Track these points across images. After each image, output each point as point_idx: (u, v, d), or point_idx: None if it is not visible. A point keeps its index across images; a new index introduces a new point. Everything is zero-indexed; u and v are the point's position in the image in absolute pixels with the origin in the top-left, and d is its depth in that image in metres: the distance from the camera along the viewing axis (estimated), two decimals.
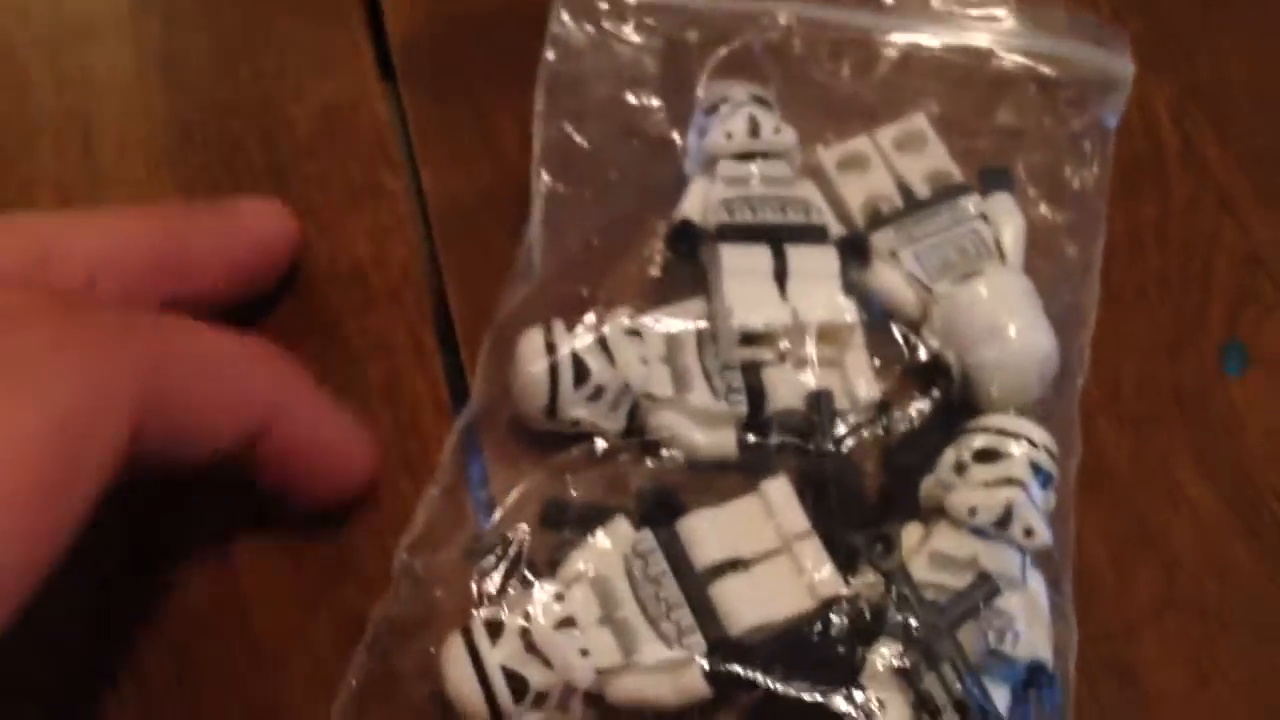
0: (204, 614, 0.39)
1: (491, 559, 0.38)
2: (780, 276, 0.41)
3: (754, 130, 0.43)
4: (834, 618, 0.37)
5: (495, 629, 0.35)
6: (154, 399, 0.32)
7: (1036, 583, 0.38)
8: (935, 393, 0.42)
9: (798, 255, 0.41)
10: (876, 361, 0.42)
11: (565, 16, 0.46)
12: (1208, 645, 0.41)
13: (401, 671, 0.37)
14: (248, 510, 0.41)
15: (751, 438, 0.40)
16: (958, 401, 0.41)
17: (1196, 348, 0.46)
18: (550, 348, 0.39)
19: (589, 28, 0.46)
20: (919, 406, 0.42)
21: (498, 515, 0.39)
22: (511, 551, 0.38)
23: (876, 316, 0.43)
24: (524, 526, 0.39)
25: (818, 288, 0.41)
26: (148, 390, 0.32)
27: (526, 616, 0.36)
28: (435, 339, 0.44)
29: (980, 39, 0.47)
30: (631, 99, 0.46)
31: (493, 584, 0.38)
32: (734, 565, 0.37)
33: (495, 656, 0.35)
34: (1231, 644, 0.41)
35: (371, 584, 0.39)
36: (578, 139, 0.45)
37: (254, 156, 0.47)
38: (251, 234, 0.42)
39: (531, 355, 0.39)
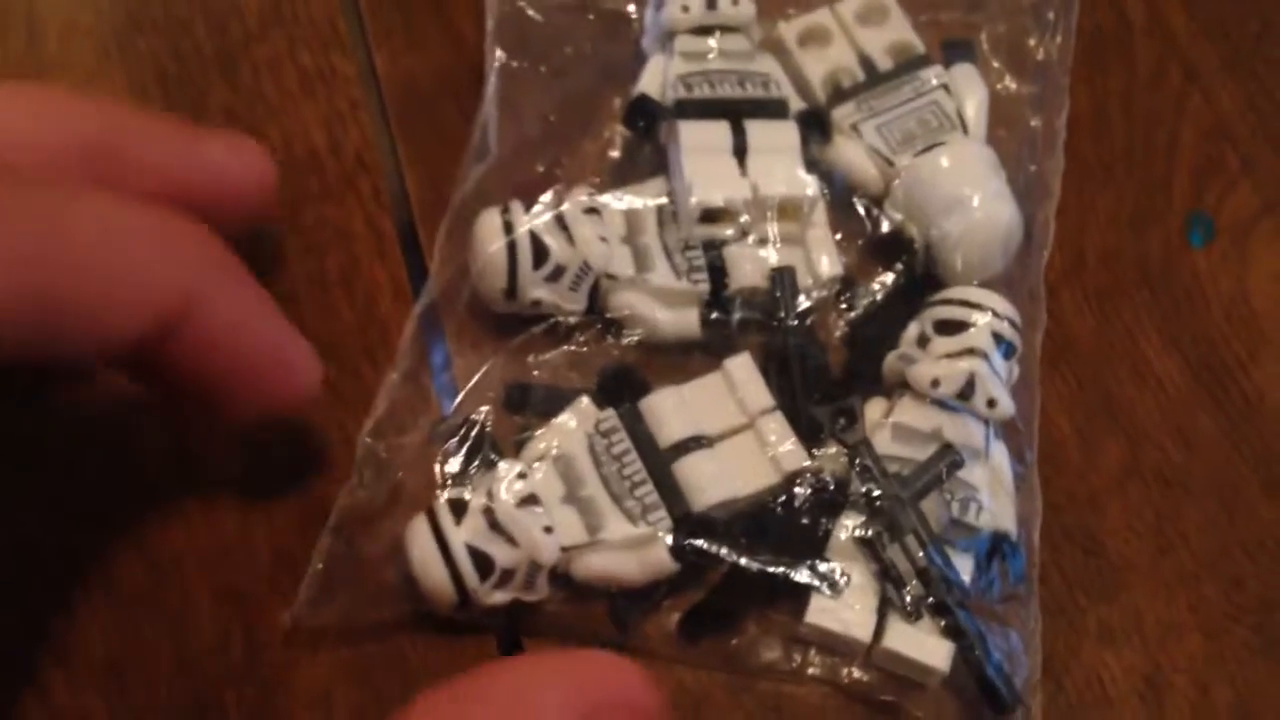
0: (168, 507, 0.39)
1: (455, 441, 0.38)
2: (740, 152, 0.40)
3: (711, 3, 0.42)
4: (799, 491, 0.37)
5: (459, 508, 0.35)
6: (28, 272, 0.27)
7: (1000, 454, 0.38)
8: (899, 267, 0.41)
9: (757, 130, 0.41)
10: (839, 236, 0.42)
11: None
12: (1171, 514, 0.41)
13: (367, 555, 0.36)
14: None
15: (714, 315, 0.40)
16: (921, 275, 0.41)
17: (1161, 220, 0.46)
18: (508, 228, 0.38)
19: None
20: (882, 280, 0.42)
21: (460, 398, 0.39)
22: (474, 433, 0.38)
23: (839, 191, 0.42)
24: (486, 408, 0.38)
25: (778, 163, 0.40)
26: (18, 261, 0.27)
27: (490, 495, 0.35)
28: (393, 225, 0.43)
29: None
30: None
31: (456, 465, 0.37)
32: (698, 442, 0.37)
33: (460, 535, 0.35)
34: (1195, 513, 0.41)
35: (335, 471, 0.39)
36: (532, 13, 0.44)
37: (202, 42, 0.46)
38: (211, 164, 0.36)
39: (489, 236, 0.38)
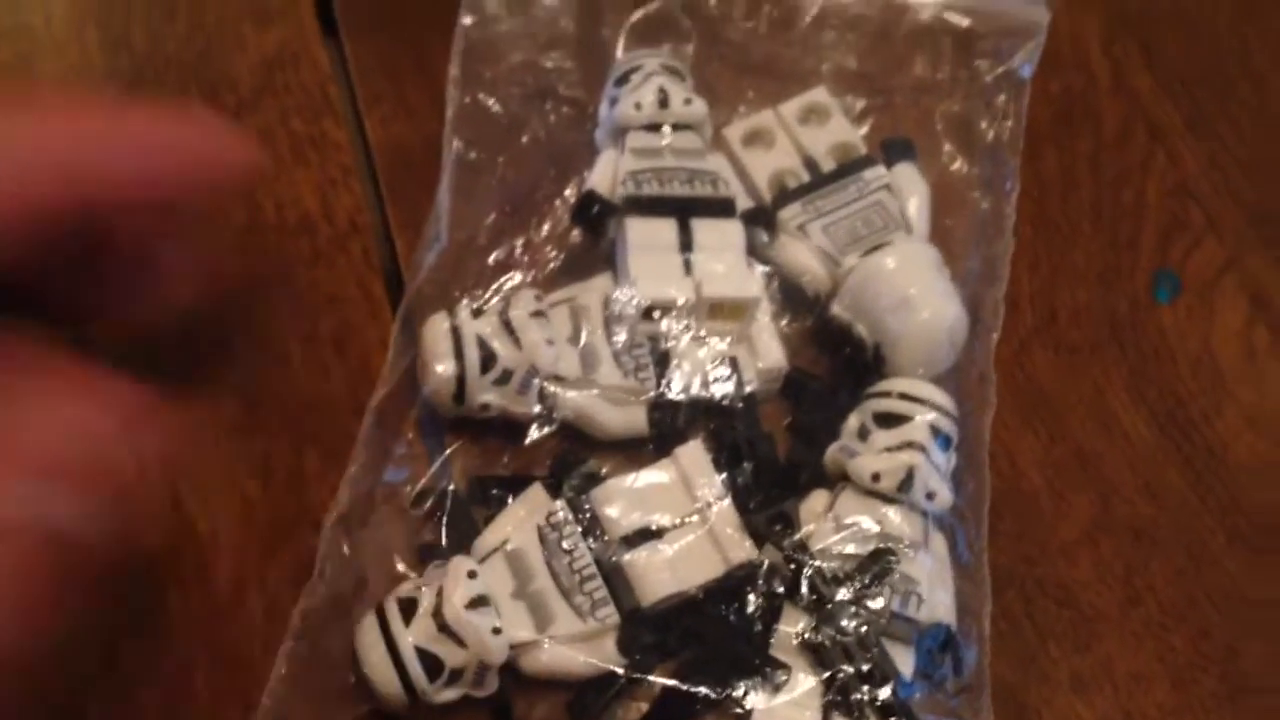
0: (162, 562, 0.39)
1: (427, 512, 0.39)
2: (686, 250, 0.41)
3: (663, 101, 0.43)
4: (747, 590, 0.38)
5: (409, 609, 0.36)
6: None
7: (940, 545, 0.39)
8: (845, 355, 0.42)
9: (703, 229, 0.41)
10: (784, 322, 0.43)
11: None
12: (1140, 566, 0.42)
13: (331, 653, 0.37)
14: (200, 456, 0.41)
15: (659, 415, 0.40)
16: (870, 370, 0.41)
17: (1129, 277, 0.46)
18: (455, 333, 0.39)
19: None
20: (828, 370, 0.42)
21: (422, 483, 0.40)
22: (448, 504, 0.39)
23: (786, 286, 0.43)
24: (451, 487, 0.39)
25: (722, 262, 0.41)
26: None
27: (440, 595, 0.36)
28: (384, 288, 0.44)
29: None
30: (548, 63, 0.46)
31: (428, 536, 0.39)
32: (648, 534, 0.38)
33: (409, 637, 0.35)
34: (1163, 564, 0.42)
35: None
36: (491, 104, 0.45)
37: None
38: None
39: (435, 342, 0.39)
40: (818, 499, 0.39)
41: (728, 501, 0.38)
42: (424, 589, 0.36)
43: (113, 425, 0.27)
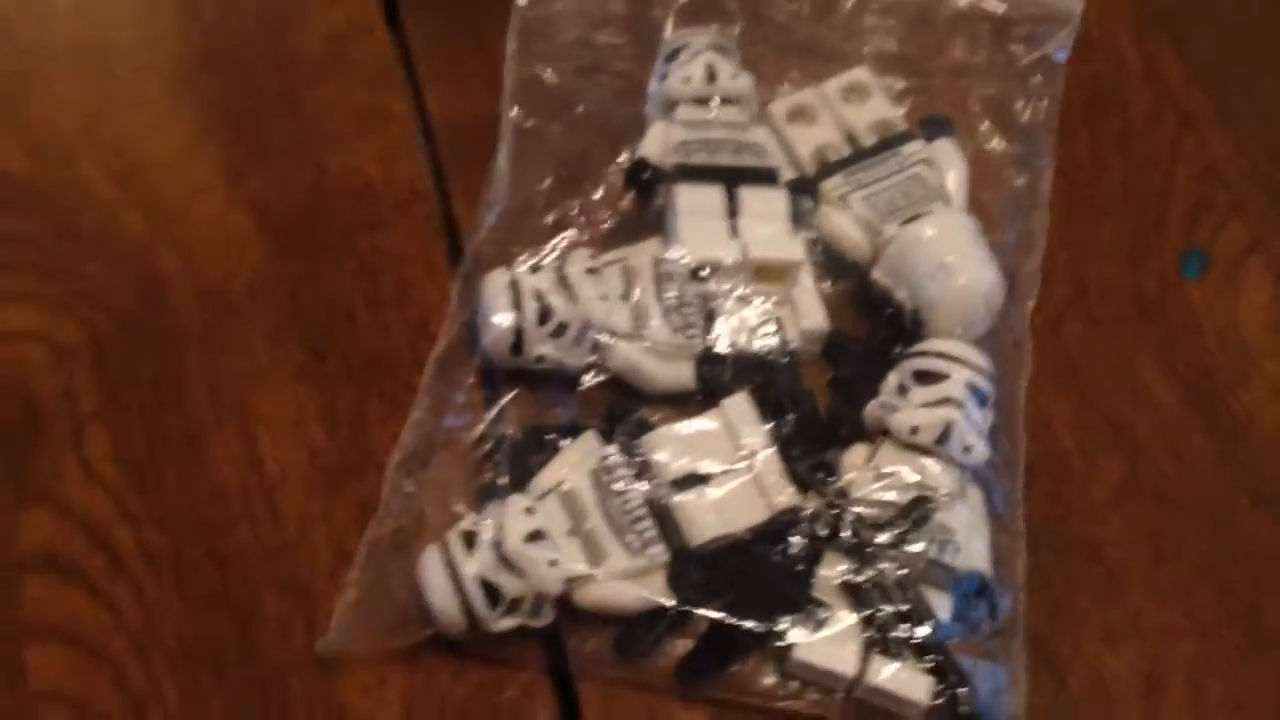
0: (231, 499, 0.41)
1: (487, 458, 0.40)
2: (732, 216, 0.43)
3: (711, 76, 0.44)
4: (788, 531, 0.39)
5: (470, 541, 0.37)
6: None
7: (976, 497, 0.40)
8: (885, 319, 0.43)
9: (749, 196, 0.43)
10: (827, 286, 0.44)
11: None
12: (1167, 528, 0.43)
13: (394, 583, 0.38)
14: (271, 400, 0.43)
15: (707, 368, 0.41)
16: (909, 334, 0.42)
17: (1157, 255, 0.48)
18: (514, 287, 0.41)
19: None
20: (868, 334, 0.44)
21: (482, 427, 0.41)
22: (504, 451, 0.40)
23: (829, 253, 0.44)
24: (512, 431, 0.41)
25: (767, 227, 0.43)
26: None
27: (500, 529, 0.37)
28: (443, 251, 0.45)
29: None
30: (600, 39, 0.48)
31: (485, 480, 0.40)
32: (695, 479, 0.39)
33: (470, 568, 0.37)
34: (1189, 527, 0.43)
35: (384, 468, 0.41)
36: (547, 76, 0.47)
37: (265, 82, 0.49)
38: None
39: (495, 296, 0.40)
40: (858, 452, 0.41)
41: (772, 450, 0.40)
42: (485, 523, 0.38)
43: None
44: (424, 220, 0.46)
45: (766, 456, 0.40)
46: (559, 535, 0.38)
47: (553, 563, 0.37)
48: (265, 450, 0.42)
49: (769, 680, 0.38)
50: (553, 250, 0.44)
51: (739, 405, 0.41)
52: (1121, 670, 0.40)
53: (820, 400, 0.42)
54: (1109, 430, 0.44)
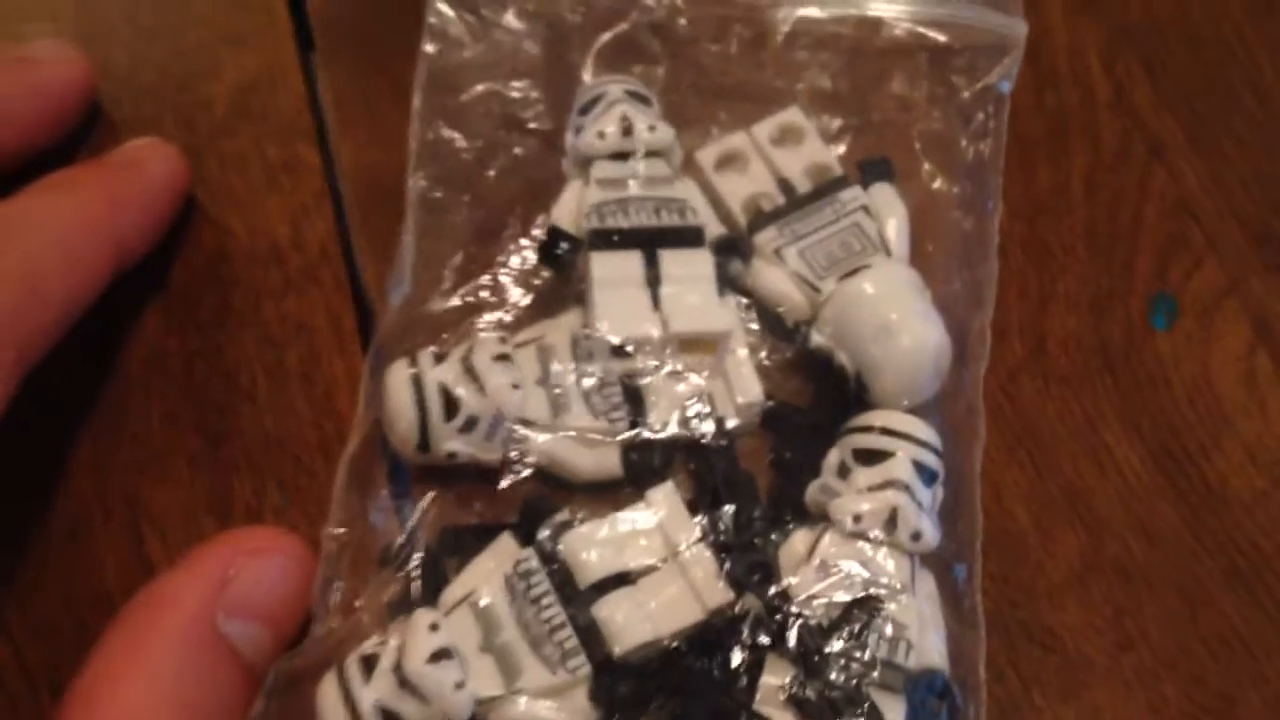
0: (117, 605, 0.36)
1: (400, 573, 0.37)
2: (653, 284, 0.40)
3: (627, 130, 0.41)
4: (728, 640, 0.36)
5: (369, 665, 0.35)
6: None
7: (928, 585, 0.38)
8: (828, 385, 0.40)
9: (671, 260, 0.40)
10: (763, 354, 0.41)
11: (442, 6, 0.44)
12: (1132, 609, 0.40)
13: (301, 715, 0.35)
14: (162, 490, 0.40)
15: (634, 456, 0.39)
16: (854, 399, 0.40)
17: (1124, 302, 0.45)
18: (415, 381, 0.38)
19: (469, 16, 0.45)
20: (811, 401, 0.41)
21: (398, 541, 0.38)
22: (409, 570, 0.37)
23: (765, 314, 0.42)
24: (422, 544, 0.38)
25: (692, 294, 0.40)
26: None
27: (401, 650, 0.35)
28: (354, 319, 0.42)
29: (870, 8, 0.45)
30: (514, 92, 0.45)
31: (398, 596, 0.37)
32: (620, 580, 0.36)
33: (369, 695, 0.34)
34: (1156, 607, 0.40)
35: None
36: (456, 139, 0.44)
37: (170, 135, 0.45)
38: (46, 84, 0.42)
39: (396, 390, 0.38)
40: (800, 540, 0.38)
41: (703, 546, 0.37)
42: (387, 644, 0.35)
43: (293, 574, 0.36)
44: (334, 285, 0.43)
45: (698, 553, 0.37)
46: (470, 652, 0.35)
47: (459, 684, 0.34)
48: (154, 548, 0.39)
49: None
50: (463, 334, 0.41)
51: (667, 496, 0.38)
52: None
53: (761, 479, 0.39)
54: (1067, 501, 0.42)
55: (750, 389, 0.40)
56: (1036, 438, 0.42)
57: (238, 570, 0.35)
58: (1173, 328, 0.44)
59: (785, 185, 0.43)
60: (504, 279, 0.42)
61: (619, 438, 0.38)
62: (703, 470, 0.39)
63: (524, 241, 0.42)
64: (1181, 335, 0.44)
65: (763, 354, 0.41)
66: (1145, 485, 0.42)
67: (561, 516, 0.37)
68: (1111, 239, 0.46)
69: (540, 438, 0.38)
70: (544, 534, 0.37)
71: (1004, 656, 0.39)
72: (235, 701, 0.34)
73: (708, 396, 0.39)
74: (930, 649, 0.36)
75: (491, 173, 0.43)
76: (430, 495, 0.38)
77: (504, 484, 0.38)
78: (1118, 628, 0.40)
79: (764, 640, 0.36)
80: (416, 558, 0.37)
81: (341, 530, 0.38)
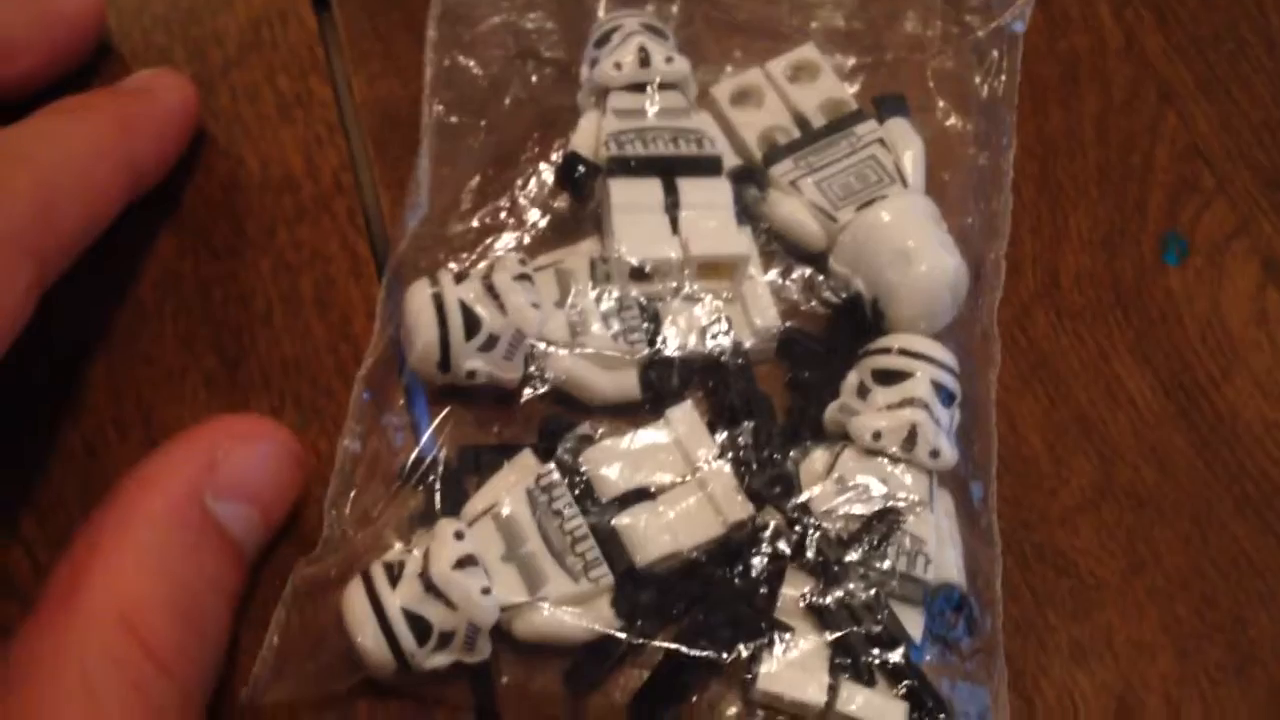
0: None
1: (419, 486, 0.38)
2: (672, 210, 0.41)
3: (644, 60, 0.42)
4: (744, 546, 0.37)
5: (394, 571, 0.36)
6: None
7: (946, 503, 0.39)
8: (843, 315, 0.42)
9: (690, 188, 0.41)
10: (793, 278, 0.42)
11: None
12: (1144, 533, 0.42)
13: (323, 625, 0.37)
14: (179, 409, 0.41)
15: (653, 375, 0.40)
16: (870, 326, 0.41)
17: (1135, 240, 0.46)
18: (437, 299, 0.39)
19: None
20: (826, 329, 0.42)
21: (415, 453, 0.39)
22: (434, 478, 0.38)
23: (783, 243, 0.43)
24: (444, 453, 0.39)
25: (710, 219, 0.41)
26: None
27: (426, 557, 0.36)
28: (368, 248, 0.43)
29: None
30: (528, 24, 0.46)
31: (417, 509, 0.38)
32: (640, 495, 0.38)
33: (395, 600, 0.35)
34: (1168, 532, 0.42)
35: (309, 493, 0.39)
36: (471, 66, 0.45)
37: (180, 67, 0.46)
38: (58, 14, 0.43)
39: (418, 309, 0.39)
40: (819, 458, 0.39)
41: (723, 462, 0.38)
42: (411, 552, 0.36)
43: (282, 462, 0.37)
44: (347, 215, 0.44)
45: (717, 469, 0.38)
46: (493, 562, 0.36)
47: (485, 590, 0.35)
48: None
49: (732, 711, 0.37)
50: (482, 255, 0.42)
51: (686, 415, 0.39)
52: (1092, 690, 0.39)
53: (778, 402, 0.41)
54: (1080, 430, 0.43)
55: (767, 313, 0.41)
56: (1050, 369, 0.43)
57: (226, 453, 0.35)
58: (1183, 265, 0.45)
59: (801, 119, 0.44)
60: (521, 202, 0.43)
61: (638, 358, 0.40)
62: (720, 390, 0.40)
63: (542, 166, 0.43)
64: (1192, 272, 0.45)
65: (779, 281, 0.41)
66: (1157, 415, 0.43)
67: (582, 430, 0.39)
68: (1123, 179, 0.47)
69: (560, 354, 0.39)
70: (565, 447, 0.38)
71: (1019, 576, 0.40)
72: (224, 581, 0.35)
73: (726, 319, 0.40)
74: (948, 563, 0.38)
75: (507, 100, 0.44)
76: (447, 411, 0.39)
77: (524, 399, 0.39)
78: (1130, 551, 0.41)
79: (784, 550, 0.37)
80: (436, 473, 0.38)
81: (357, 443, 0.39)
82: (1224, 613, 0.40)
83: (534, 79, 0.45)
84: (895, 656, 0.36)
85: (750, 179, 0.42)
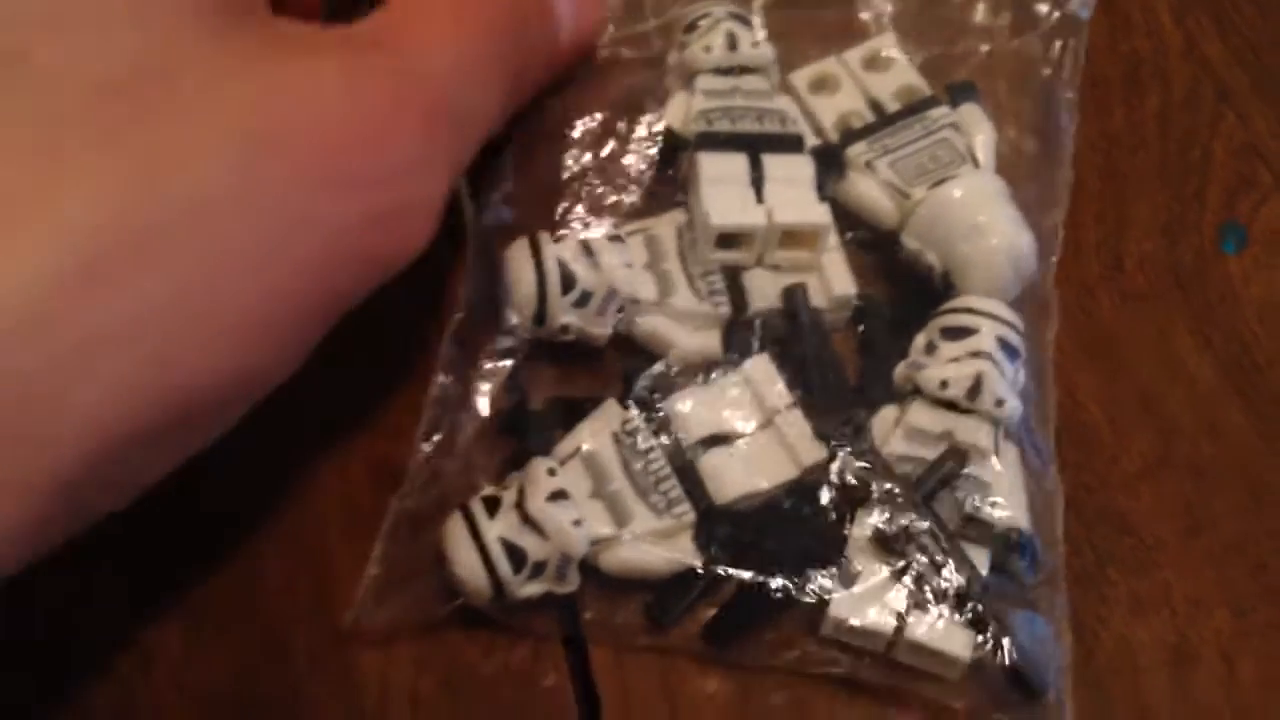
0: (239, 472, 0.41)
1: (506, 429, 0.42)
2: (757, 183, 0.44)
3: (732, 45, 0.46)
4: (818, 488, 0.41)
5: (493, 505, 0.39)
6: None
7: (1010, 452, 0.42)
8: (914, 283, 0.45)
9: (774, 163, 0.45)
10: (855, 252, 0.46)
11: None
12: (1201, 502, 0.44)
13: (422, 556, 0.40)
14: None
15: (735, 336, 0.43)
16: (939, 297, 0.44)
17: (1195, 229, 0.50)
18: (536, 255, 0.42)
19: None
20: (897, 303, 0.46)
21: (501, 403, 0.43)
22: (521, 429, 0.42)
23: (857, 217, 0.46)
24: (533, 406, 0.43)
25: (793, 193, 0.44)
26: None
27: (522, 491, 0.39)
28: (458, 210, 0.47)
29: None
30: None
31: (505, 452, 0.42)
32: (719, 440, 0.41)
33: (494, 530, 0.38)
34: (1224, 502, 0.44)
35: (399, 432, 0.43)
36: None
37: None
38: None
39: (519, 264, 0.42)
40: (888, 413, 0.42)
41: (797, 410, 0.41)
42: (508, 489, 0.40)
43: None
44: None
45: (792, 416, 0.41)
46: (582, 498, 0.40)
47: (577, 522, 0.39)
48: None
49: (800, 649, 0.40)
50: (573, 219, 0.45)
51: (761, 366, 0.42)
52: (1150, 641, 0.42)
53: (849, 368, 0.44)
54: (1140, 403, 0.46)
55: (843, 282, 0.44)
56: (1111, 347, 0.47)
57: None
58: (1242, 254, 0.49)
59: (875, 105, 0.48)
60: (609, 175, 0.46)
61: (721, 320, 0.43)
62: (795, 351, 0.43)
63: (629, 145, 0.46)
64: (1250, 260, 0.49)
65: (853, 252, 0.45)
66: (1215, 392, 0.46)
67: (659, 368, 0.42)
68: (1183, 172, 0.50)
69: (647, 316, 0.43)
70: (642, 385, 0.42)
71: (1080, 535, 0.42)
72: (534, 49, 0.42)
73: (804, 287, 0.44)
74: (1013, 506, 0.41)
75: (594, 79, 0.48)
76: (533, 367, 0.43)
77: (609, 355, 0.43)
78: (1188, 516, 0.44)
79: (853, 487, 0.40)
80: (527, 419, 0.42)
81: (450, 380, 0.42)
82: (1277, 577, 0.43)
83: (621, 62, 0.48)
84: (959, 583, 0.39)
85: (829, 158, 0.46)
